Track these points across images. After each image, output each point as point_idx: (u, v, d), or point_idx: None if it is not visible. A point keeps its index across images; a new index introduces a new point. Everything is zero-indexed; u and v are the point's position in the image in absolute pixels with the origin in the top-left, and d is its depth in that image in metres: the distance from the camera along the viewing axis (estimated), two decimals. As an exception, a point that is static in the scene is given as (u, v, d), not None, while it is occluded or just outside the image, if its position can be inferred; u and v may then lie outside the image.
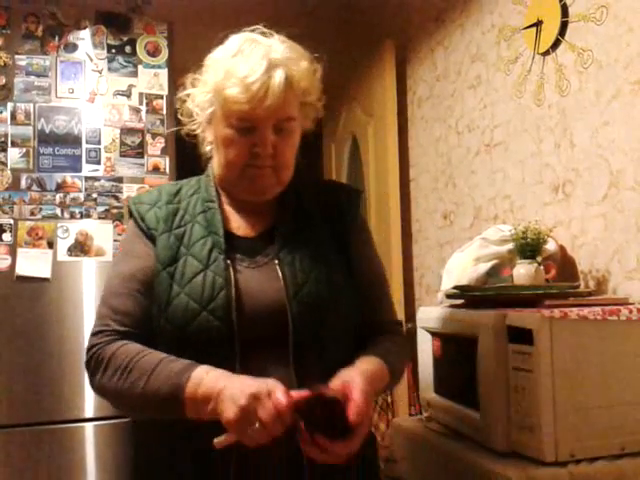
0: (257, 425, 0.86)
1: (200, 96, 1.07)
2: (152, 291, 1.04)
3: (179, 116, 1.12)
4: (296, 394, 0.88)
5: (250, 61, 1.00)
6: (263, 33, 1.08)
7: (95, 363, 1.01)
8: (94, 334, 1.04)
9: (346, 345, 1.08)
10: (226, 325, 0.99)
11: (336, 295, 1.06)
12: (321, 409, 0.87)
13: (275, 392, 0.87)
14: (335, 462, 0.89)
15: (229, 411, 0.87)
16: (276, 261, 1.05)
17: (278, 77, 0.99)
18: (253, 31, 1.08)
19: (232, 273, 1.02)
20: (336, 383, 0.93)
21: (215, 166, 1.12)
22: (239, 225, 1.12)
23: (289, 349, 1.00)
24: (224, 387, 0.90)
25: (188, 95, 1.10)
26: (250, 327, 1.00)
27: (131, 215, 1.13)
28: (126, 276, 1.06)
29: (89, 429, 2.19)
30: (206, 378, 0.93)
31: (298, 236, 1.10)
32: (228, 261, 1.04)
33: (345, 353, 1.06)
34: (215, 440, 0.89)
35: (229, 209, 1.13)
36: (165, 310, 1.02)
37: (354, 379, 0.93)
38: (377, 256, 1.22)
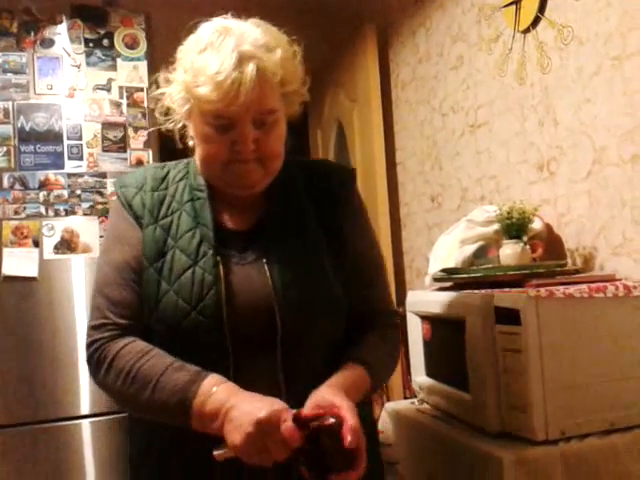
0: (263, 451, 0.86)
1: (174, 94, 1.03)
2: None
3: (156, 114, 1.08)
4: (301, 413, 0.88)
5: (220, 56, 0.94)
6: (237, 16, 1.03)
7: (97, 361, 1.00)
8: (94, 327, 1.02)
9: (335, 341, 1.06)
10: (216, 325, 0.98)
11: (325, 293, 1.04)
12: (328, 438, 0.86)
13: (284, 419, 0.86)
14: None
15: (236, 436, 0.86)
16: (264, 259, 1.03)
17: (250, 72, 0.93)
18: (225, 16, 1.03)
19: (222, 270, 1.00)
20: (314, 402, 0.91)
21: (197, 161, 1.07)
22: (228, 217, 1.08)
23: (277, 348, 0.99)
24: (232, 407, 0.89)
25: (162, 94, 1.05)
26: (240, 326, 0.99)
27: (118, 198, 1.09)
28: (119, 264, 1.03)
29: (85, 426, 2.18)
30: (214, 395, 0.91)
31: (287, 229, 1.06)
32: (218, 257, 1.01)
33: (335, 349, 1.05)
34: (215, 452, 0.89)
35: (217, 202, 1.08)
36: (155, 309, 1.00)
37: (338, 400, 0.90)
38: (372, 241, 1.17)
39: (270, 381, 0.97)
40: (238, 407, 0.89)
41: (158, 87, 1.06)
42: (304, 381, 0.97)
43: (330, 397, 0.91)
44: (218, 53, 0.95)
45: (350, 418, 0.87)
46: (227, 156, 1.00)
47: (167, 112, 1.06)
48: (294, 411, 0.88)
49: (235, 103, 0.94)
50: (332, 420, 0.87)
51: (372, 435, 1.15)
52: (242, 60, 0.94)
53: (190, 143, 1.07)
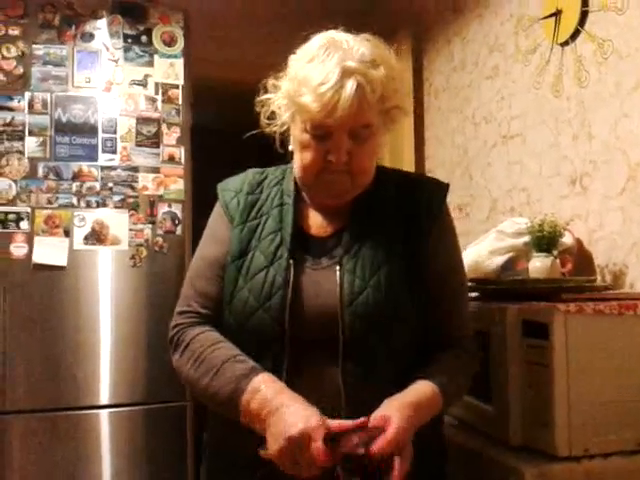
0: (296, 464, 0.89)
1: (278, 100, 1.08)
2: None
3: (261, 117, 1.11)
4: (339, 427, 0.89)
5: (324, 69, 0.97)
6: (347, 30, 1.06)
7: (176, 343, 1.08)
8: (179, 313, 1.11)
9: (403, 357, 1.06)
10: (279, 325, 1.01)
11: (393, 306, 1.03)
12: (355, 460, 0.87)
13: (316, 439, 0.87)
14: None
15: (272, 444, 0.90)
16: (337, 266, 1.04)
17: (350, 87, 0.96)
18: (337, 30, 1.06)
19: (292, 273, 1.03)
20: (376, 416, 0.92)
21: (294, 166, 1.11)
22: (313, 223, 1.12)
23: (339, 357, 1.00)
24: (271, 412, 0.92)
25: (269, 98, 1.10)
26: (302, 330, 1.01)
27: (219, 199, 1.16)
28: (211, 260, 1.11)
29: (104, 416, 2.21)
30: (260, 392, 0.94)
31: (367, 240, 1.07)
32: (291, 260, 1.04)
33: (400, 365, 1.05)
34: (261, 450, 0.92)
35: (306, 207, 1.13)
36: (229, 303, 1.06)
37: (394, 414, 0.92)
38: (456, 262, 1.15)
39: (329, 390, 0.98)
40: (276, 414, 0.91)
41: (266, 91, 1.10)
42: (366, 394, 0.97)
43: (387, 412, 0.92)
44: (323, 66, 0.98)
45: (390, 429, 0.88)
46: (320, 165, 1.03)
47: (271, 116, 1.10)
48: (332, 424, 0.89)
49: (333, 115, 0.97)
50: (361, 450, 0.87)
51: (440, 454, 1.16)
52: (344, 75, 0.97)
53: (290, 148, 1.10)
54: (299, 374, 0.99)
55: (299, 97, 0.99)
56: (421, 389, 1.00)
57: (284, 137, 1.10)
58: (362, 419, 0.91)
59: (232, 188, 1.16)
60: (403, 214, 1.11)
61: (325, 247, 1.08)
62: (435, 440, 1.13)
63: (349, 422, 0.91)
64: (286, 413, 0.91)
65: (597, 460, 1.17)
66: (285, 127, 1.09)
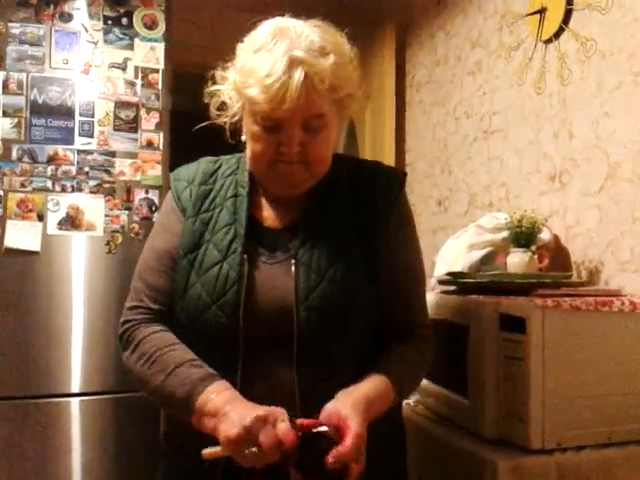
0: (255, 449, 0.86)
1: (228, 92, 1.05)
2: None
3: (211, 108, 1.08)
4: (299, 423, 0.88)
5: (271, 59, 0.95)
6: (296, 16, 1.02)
7: (126, 341, 1.05)
8: (129, 308, 1.08)
9: (359, 349, 1.04)
10: (232, 321, 0.99)
11: (350, 299, 1.01)
12: (316, 448, 0.86)
13: (282, 420, 0.86)
14: None
15: (231, 429, 0.86)
16: (293, 260, 1.02)
17: (297, 77, 0.93)
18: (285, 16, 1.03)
19: (246, 268, 1.01)
20: (330, 411, 0.90)
21: (247, 157, 1.08)
22: (268, 215, 1.09)
23: (293, 352, 0.98)
24: (231, 409, 0.90)
25: (218, 90, 1.06)
26: (256, 326, 0.99)
27: (171, 189, 1.13)
28: (161, 252, 1.08)
29: (75, 404, 2.18)
30: (217, 397, 0.92)
31: (323, 231, 1.05)
32: (245, 255, 1.02)
33: (357, 357, 1.04)
34: (204, 451, 0.88)
35: (261, 197, 1.10)
36: (181, 298, 1.03)
37: (350, 419, 0.89)
38: (413, 253, 1.14)
39: (284, 386, 0.96)
40: (236, 409, 0.89)
41: (215, 82, 1.07)
42: (322, 389, 0.95)
43: (343, 410, 0.90)
44: (270, 56, 0.95)
45: (348, 439, 0.86)
46: (273, 156, 1.00)
47: (221, 107, 1.07)
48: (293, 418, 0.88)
49: (281, 107, 0.94)
50: (324, 429, 0.87)
51: (398, 450, 1.16)
52: (292, 65, 0.94)
53: (242, 137, 1.07)
54: (253, 372, 0.97)
55: (246, 89, 0.97)
56: (375, 383, 0.99)
57: (237, 127, 1.07)
58: (327, 416, 0.89)
59: (184, 178, 1.13)
60: (359, 204, 1.09)
61: (280, 240, 1.06)
62: (393, 434, 1.13)
63: (308, 420, 0.89)
64: (247, 405, 0.90)
65: (569, 453, 1.18)
66: (237, 117, 1.06)
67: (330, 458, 0.85)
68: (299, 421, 0.88)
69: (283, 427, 0.85)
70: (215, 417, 0.90)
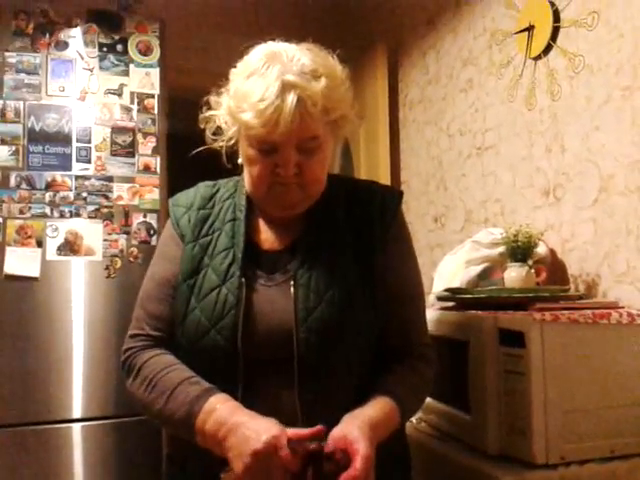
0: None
1: (222, 116, 1.06)
2: None
3: (207, 133, 1.09)
4: (296, 434, 0.88)
5: (264, 83, 0.96)
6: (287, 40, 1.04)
7: (128, 368, 1.06)
8: (131, 336, 1.09)
9: (361, 372, 1.04)
10: (231, 345, 0.99)
11: (349, 320, 1.01)
12: (322, 469, 0.87)
13: (282, 446, 0.86)
14: None
15: (238, 464, 0.87)
16: (292, 281, 1.02)
17: (290, 101, 0.94)
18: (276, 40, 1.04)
19: (244, 292, 1.02)
20: (338, 435, 0.90)
21: (245, 180, 1.09)
22: (266, 237, 1.10)
23: (294, 374, 0.98)
24: (229, 431, 0.90)
25: (212, 115, 1.08)
26: (256, 349, 0.99)
27: (169, 216, 1.14)
28: (161, 279, 1.09)
29: (76, 430, 2.17)
30: (215, 412, 0.92)
31: (321, 252, 1.06)
32: (243, 279, 1.03)
33: (358, 378, 1.04)
34: (222, 475, 0.91)
35: (259, 220, 1.12)
36: (182, 324, 1.04)
37: (359, 442, 0.88)
38: (411, 271, 1.14)
39: (285, 407, 0.97)
40: (236, 433, 0.89)
41: (209, 108, 1.08)
42: (324, 410, 0.96)
43: (350, 434, 0.90)
44: (263, 80, 0.96)
45: (357, 462, 0.86)
46: (270, 178, 1.01)
47: (217, 132, 1.08)
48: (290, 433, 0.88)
49: (276, 131, 0.95)
50: (313, 446, 0.87)
51: (404, 469, 1.16)
52: (284, 89, 0.95)
53: (239, 161, 1.09)
54: (254, 395, 0.97)
55: (240, 114, 0.98)
56: (380, 405, 0.98)
57: (233, 150, 1.08)
58: (318, 427, 0.89)
59: (183, 204, 1.14)
60: (356, 224, 1.10)
61: (278, 262, 1.07)
62: (398, 449, 1.13)
63: (305, 430, 0.89)
64: (246, 430, 0.89)
65: (573, 467, 1.18)
66: (233, 141, 1.07)
67: None
68: (292, 433, 0.88)
69: (285, 453, 0.86)
70: (217, 437, 0.91)
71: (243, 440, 0.88)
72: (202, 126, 1.10)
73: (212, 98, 1.08)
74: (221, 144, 1.08)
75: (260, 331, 1.00)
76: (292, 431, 0.89)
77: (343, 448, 0.88)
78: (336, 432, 0.91)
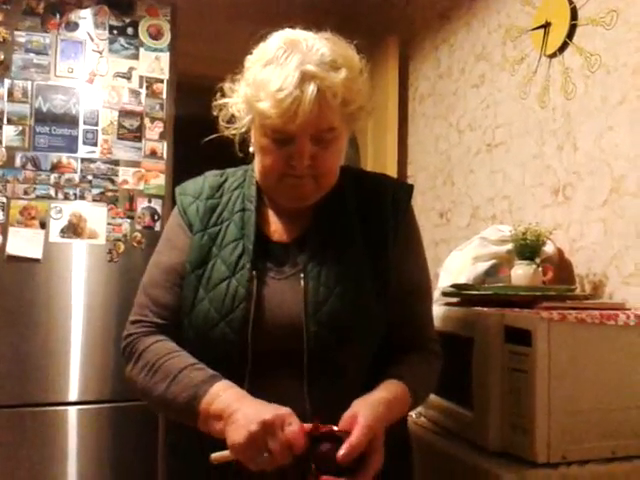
0: (265, 454, 0.85)
1: (237, 105, 1.04)
2: None
3: (220, 121, 1.07)
4: (306, 427, 0.87)
5: (283, 73, 0.93)
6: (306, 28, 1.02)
7: (129, 353, 1.04)
8: (132, 322, 1.07)
9: (369, 364, 1.04)
10: (241, 338, 0.98)
11: (360, 314, 1.01)
12: (329, 446, 0.86)
13: (289, 423, 0.86)
14: None
15: (239, 435, 0.86)
16: (302, 274, 1.01)
17: (310, 92, 0.92)
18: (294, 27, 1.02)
19: (255, 285, 1.00)
20: (346, 416, 0.90)
21: (255, 169, 1.08)
22: (276, 229, 1.09)
23: (303, 368, 0.98)
24: (236, 410, 0.89)
25: (226, 103, 1.06)
26: (266, 342, 0.98)
27: (177, 204, 1.13)
28: (167, 268, 1.07)
29: (72, 413, 2.16)
30: (222, 396, 0.92)
31: (330, 245, 1.04)
32: (254, 272, 1.01)
33: (367, 371, 1.03)
34: (212, 455, 0.88)
35: (268, 211, 1.10)
36: (189, 314, 1.02)
37: (362, 414, 0.89)
38: (420, 267, 1.13)
39: (294, 401, 0.95)
40: (242, 410, 0.89)
41: (223, 95, 1.06)
42: (333, 404, 0.95)
43: (359, 411, 0.90)
44: (282, 70, 0.94)
45: (356, 431, 0.86)
46: (283, 169, 1.00)
47: (230, 120, 1.06)
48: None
49: (293, 121, 0.93)
50: (335, 428, 0.87)
51: (405, 464, 1.15)
52: (304, 79, 0.93)
53: (250, 149, 1.07)
54: (262, 388, 0.96)
55: (257, 102, 0.96)
56: (392, 387, 0.99)
57: (245, 138, 1.06)
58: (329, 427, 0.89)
59: (191, 193, 1.12)
60: (367, 217, 1.08)
61: (288, 254, 1.05)
62: (400, 438, 1.12)
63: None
64: (253, 407, 0.88)
65: (574, 467, 1.17)
66: (245, 129, 1.05)
67: (341, 451, 0.85)
68: (305, 426, 0.87)
69: (292, 430, 0.85)
70: (221, 418, 0.90)
71: (253, 411, 0.87)
72: (215, 113, 1.08)
73: (227, 85, 1.06)
74: (234, 132, 1.06)
75: (270, 325, 0.99)
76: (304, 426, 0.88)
77: (350, 427, 0.88)
78: (346, 413, 0.91)
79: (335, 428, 0.88)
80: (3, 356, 2.09)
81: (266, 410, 0.87)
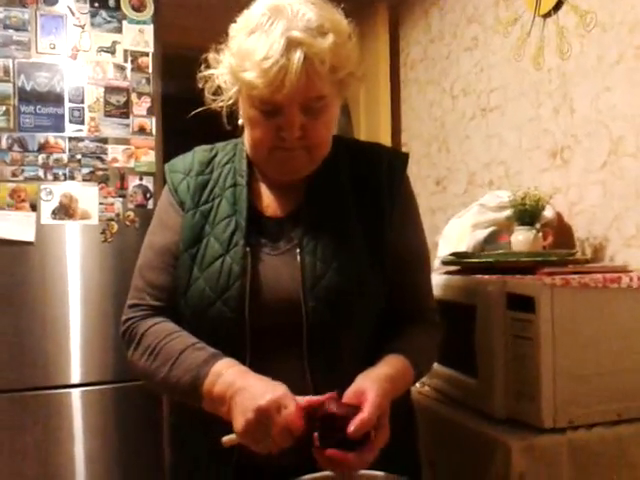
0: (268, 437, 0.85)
1: (222, 76, 1.00)
2: None
3: (206, 93, 1.03)
4: (307, 401, 0.87)
5: (268, 40, 0.90)
6: None
7: (129, 338, 1.03)
8: (130, 306, 1.05)
9: (367, 337, 1.03)
10: (238, 316, 0.97)
11: (358, 288, 0.99)
12: (332, 423, 0.85)
13: (286, 406, 0.85)
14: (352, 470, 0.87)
15: (238, 422, 0.86)
16: (297, 249, 0.99)
17: (296, 60, 0.88)
18: None
19: (250, 262, 0.98)
20: (351, 391, 0.90)
21: (245, 142, 1.05)
22: (269, 203, 1.06)
23: (303, 344, 0.96)
24: (236, 392, 0.88)
25: (212, 74, 1.02)
26: (264, 319, 0.97)
27: (167, 182, 1.10)
28: (161, 249, 1.05)
29: (75, 395, 2.15)
30: (224, 374, 0.91)
31: (326, 218, 1.02)
32: (248, 248, 0.99)
33: (367, 344, 1.02)
34: (224, 438, 0.88)
35: (260, 185, 1.07)
36: (185, 294, 1.01)
37: (368, 390, 0.88)
38: (418, 236, 1.11)
39: (295, 377, 0.94)
40: (242, 392, 0.88)
41: (208, 66, 1.02)
42: (333, 378, 0.94)
43: (364, 387, 0.89)
44: (267, 37, 0.90)
45: (366, 408, 0.85)
46: (273, 142, 0.97)
47: (216, 92, 1.02)
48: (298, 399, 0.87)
49: (281, 91, 0.90)
50: (337, 408, 0.86)
51: (410, 433, 1.15)
52: (290, 47, 0.89)
53: (239, 122, 1.03)
54: (262, 365, 0.95)
55: (242, 73, 0.92)
56: (394, 362, 0.97)
57: (233, 110, 1.03)
58: (330, 393, 0.88)
59: (180, 170, 1.09)
60: (362, 188, 1.06)
61: (282, 229, 1.03)
62: (404, 410, 1.12)
63: (316, 397, 0.88)
64: (252, 389, 0.88)
65: (581, 431, 1.18)
66: (232, 101, 1.02)
67: (351, 426, 0.84)
68: (306, 400, 0.87)
69: (288, 412, 0.84)
70: (225, 400, 0.89)
71: (249, 397, 0.86)
72: (200, 85, 1.04)
73: (211, 56, 1.02)
74: (221, 104, 1.03)
75: (267, 301, 0.98)
76: (305, 399, 0.87)
77: (356, 402, 0.87)
78: (350, 389, 0.90)
79: (334, 407, 0.87)
80: (2, 340, 2.07)
81: (262, 393, 0.86)
